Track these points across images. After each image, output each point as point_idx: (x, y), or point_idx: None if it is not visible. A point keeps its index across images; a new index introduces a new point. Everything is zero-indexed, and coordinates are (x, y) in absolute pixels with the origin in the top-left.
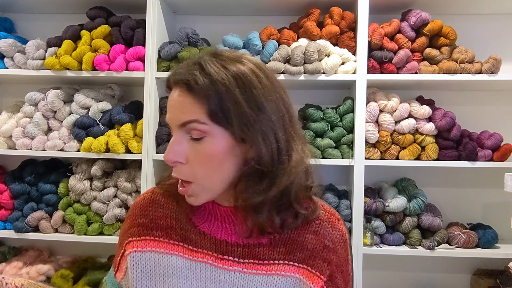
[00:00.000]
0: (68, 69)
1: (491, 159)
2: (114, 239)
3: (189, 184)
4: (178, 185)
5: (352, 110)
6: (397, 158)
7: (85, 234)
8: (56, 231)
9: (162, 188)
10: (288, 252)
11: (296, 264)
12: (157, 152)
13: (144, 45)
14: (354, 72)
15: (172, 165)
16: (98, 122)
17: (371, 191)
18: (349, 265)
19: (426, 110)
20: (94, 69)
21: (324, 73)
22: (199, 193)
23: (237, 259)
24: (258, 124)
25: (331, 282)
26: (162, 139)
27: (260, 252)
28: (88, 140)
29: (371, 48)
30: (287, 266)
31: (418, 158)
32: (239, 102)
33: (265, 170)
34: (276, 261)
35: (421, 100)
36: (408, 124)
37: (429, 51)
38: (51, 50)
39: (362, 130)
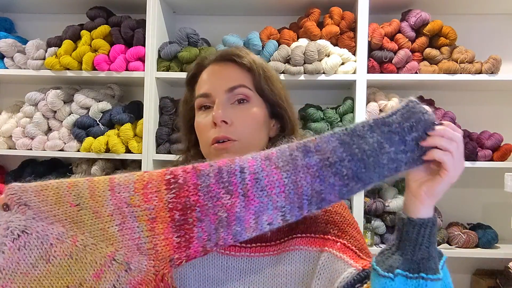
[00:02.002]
0: (68, 69)
1: (491, 159)
2: None
3: (232, 142)
4: (213, 145)
5: (352, 110)
6: None
7: None
8: None
9: None
10: (291, 228)
11: (299, 235)
12: (157, 152)
13: (144, 45)
14: (354, 72)
15: (219, 124)
16: (98, 122)
17: (371, 191)
18: (358, 226)
19: None
20: (94, 69)
21: (324, 73)
22: (236, 152)
23: (244, 244)
24: (284, 98)
25: (344, 234)
26: (162, 139)
27: (267, 234)
28: (88, 140)
29: (371, 48)
30: (291, 241)
31: None
32: (275, 79)
33: (281, 140)
34: (282, 240)
35: (421, 100)
36: None
37: (429, 51)
38: (51, 50)
39: None
